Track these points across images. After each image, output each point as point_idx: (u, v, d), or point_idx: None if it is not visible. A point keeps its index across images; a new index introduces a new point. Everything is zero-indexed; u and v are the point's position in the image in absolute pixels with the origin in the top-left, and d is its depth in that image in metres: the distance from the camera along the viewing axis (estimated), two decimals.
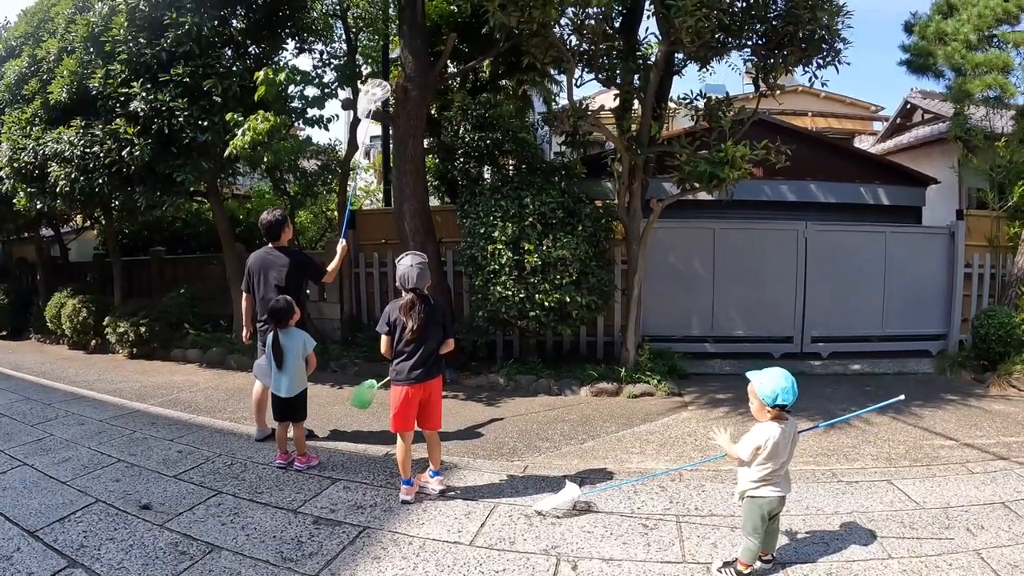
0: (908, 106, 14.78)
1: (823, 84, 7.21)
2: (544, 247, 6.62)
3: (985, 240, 9.00)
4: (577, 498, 3.73)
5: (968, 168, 10.51)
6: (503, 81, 10.13)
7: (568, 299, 6.65)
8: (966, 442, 5.14)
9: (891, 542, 3.34)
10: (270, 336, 4.53)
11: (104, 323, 9.46)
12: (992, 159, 9.25)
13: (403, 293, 3.84)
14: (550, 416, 6.09)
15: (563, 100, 10.22)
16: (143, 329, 9.05)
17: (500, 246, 6.70)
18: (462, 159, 8.38)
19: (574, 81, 7.09)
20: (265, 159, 7.00)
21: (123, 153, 7.33)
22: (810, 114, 17.82)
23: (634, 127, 7.35)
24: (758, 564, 2.99)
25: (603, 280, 7.10)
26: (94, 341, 9.97)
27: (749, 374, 2.99)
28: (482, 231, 6.89)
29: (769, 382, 2.86)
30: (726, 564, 3.01)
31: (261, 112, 6.79)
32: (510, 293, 6.70)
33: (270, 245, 5.17)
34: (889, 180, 11.14)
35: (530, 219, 6.74)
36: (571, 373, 7.29)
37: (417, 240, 7.61)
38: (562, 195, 6.94)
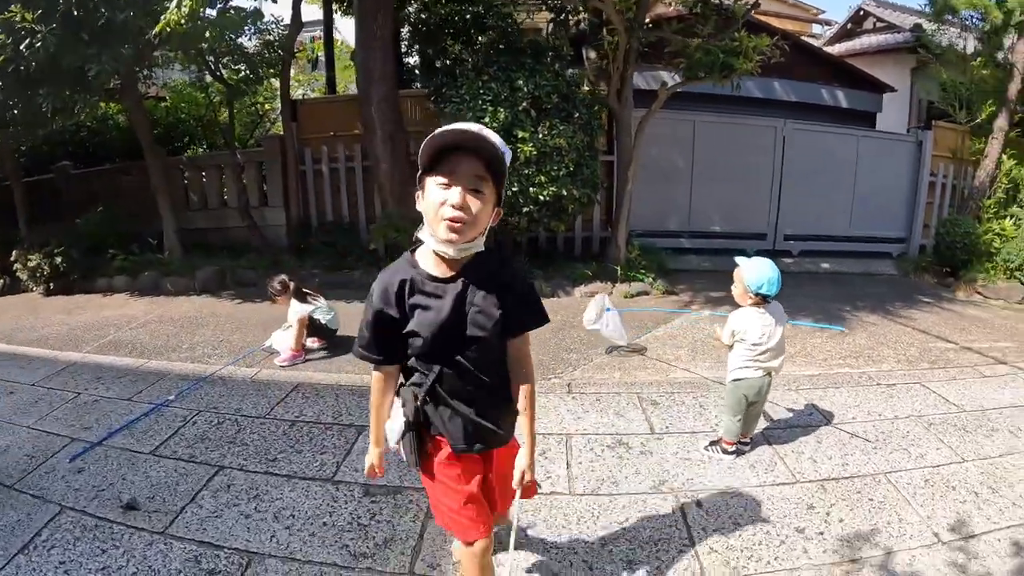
0: (861, 12, 14.67)
1: None
2: (540, 135, 6.05)
3: (949, 152, 9.18)
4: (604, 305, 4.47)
5: (924, 79, 10.59)
6: None
7: (564, 192, 6.18)
8: (965, 346, 5.22)
9: (957, 445, 3.32)
10: None
11: (11, 258, 7.91)
12: (967, 75, 9.25)
13: None
14: (556, 321, 5.72)
15: None
16: (59, 260, 7.60)
17: None
18: (433, 35, 7.52)
19: None
20: (207, 35, 5.93)
21: (21, 47, 5.88)
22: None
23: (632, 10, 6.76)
24: (736, 445, 3.16)
25: (595, 172, 6.65)
26: (2, 280, 8.35)
27: (738, 259, 3.06)
28: (469, 118, 6.21)
29: (756, 270, 2.95)
30: (712, 443, 3.21)
31: None
32: None
33: None
34: (848, 83, 11.11)
35: (523, 104, 6.12)
36: (561, 272, 6.95)
37: (386, 130, 6.90)
38: (556, 78, 6.32)
